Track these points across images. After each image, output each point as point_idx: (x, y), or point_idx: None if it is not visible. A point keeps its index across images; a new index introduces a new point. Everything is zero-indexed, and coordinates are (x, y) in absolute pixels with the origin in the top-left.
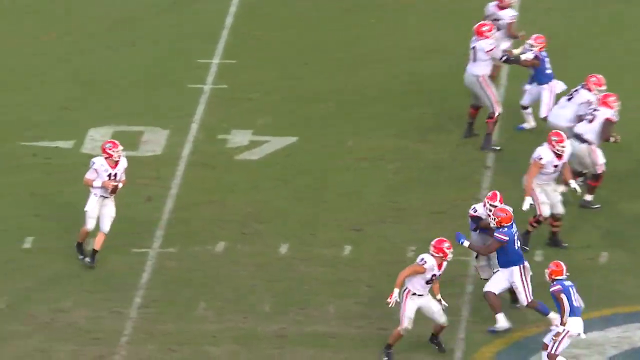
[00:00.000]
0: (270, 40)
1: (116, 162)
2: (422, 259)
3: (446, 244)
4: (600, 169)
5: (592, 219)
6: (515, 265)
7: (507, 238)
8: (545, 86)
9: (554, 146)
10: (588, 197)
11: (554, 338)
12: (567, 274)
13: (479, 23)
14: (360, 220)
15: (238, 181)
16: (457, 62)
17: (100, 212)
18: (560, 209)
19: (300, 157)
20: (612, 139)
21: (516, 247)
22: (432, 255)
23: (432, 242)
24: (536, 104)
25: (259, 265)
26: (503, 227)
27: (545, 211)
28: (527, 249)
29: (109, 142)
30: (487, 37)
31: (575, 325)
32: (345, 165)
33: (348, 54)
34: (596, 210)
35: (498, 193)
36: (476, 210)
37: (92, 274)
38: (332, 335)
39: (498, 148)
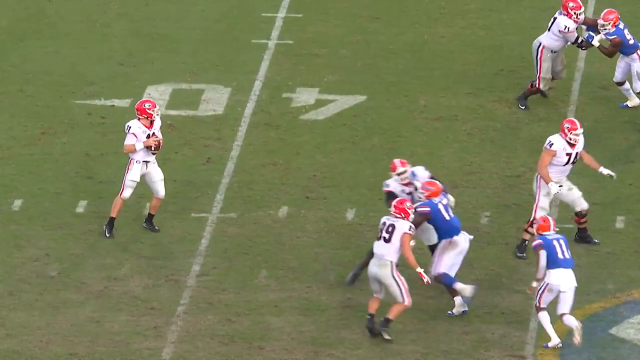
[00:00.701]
0: None
1: (152, 122)
2: (411, 228)
3: (407, 204)
4: None
5: None
6: (445, 238)
7: (429, 209)
8: (634, 56)
9: (566, 134)
10: None
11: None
12: (557, 229)
13: None
14: None
15: (303, 142)
16: (535, 15)
17: (148, 180)
18: (584, 205)
19: (369, 117)
20: None
21: (447, 218)
22: (395, 216)
23: (394, 203)
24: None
25: (324, 232)
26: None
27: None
28: (524, 256)
29: (147, 101)
30: (569, 15)
31: (556, 277)
32: (417, 125)
33: (422, 7)
34: None
35: (397, 161)
36: (388, 186)
37: (147, 240)
38: None
39: (523, 108)
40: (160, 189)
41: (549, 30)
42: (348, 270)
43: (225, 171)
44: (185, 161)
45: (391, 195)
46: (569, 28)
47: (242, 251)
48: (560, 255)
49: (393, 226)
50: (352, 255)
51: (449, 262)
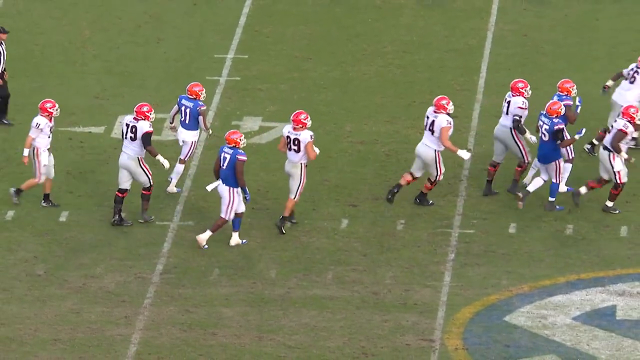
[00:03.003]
0: (278, 36)
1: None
2: (312, 135)
3: (302, 116)
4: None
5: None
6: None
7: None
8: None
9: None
10: (609, 203)
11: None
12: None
13: (515, 80)
14: (356, 197)
15: (249, 162)
16: (442, 56)
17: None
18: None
19: None
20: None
21: (219, 166)
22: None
23: (293, 117)
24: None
25: (266, 237)
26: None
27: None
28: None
29: (48, 101)
30: (521, 94)
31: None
32: (344, 148)
33: (348, 49)
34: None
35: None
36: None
37: (119, 243)
38: (331, 298)
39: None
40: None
41: (506, 113)
42: (287, 268)
43: (184, 186)
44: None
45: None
46: (526, 103)
47: (198, 253)
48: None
49: (298, 140)
50: (290, 255)
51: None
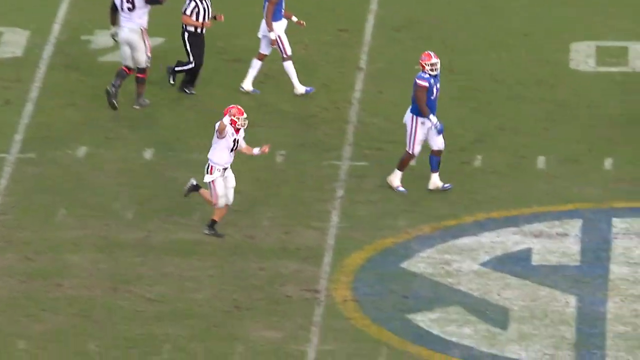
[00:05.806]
0: None
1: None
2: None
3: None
4: None
5: (465, 122)
6: None
7: None
8: None
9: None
10: None
11: None
12: None
13: None
14: None
15: (102, 84)
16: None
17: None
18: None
19: (168, 61)
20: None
21: None
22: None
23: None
24: None
25: (122, 171)
26: None
27: None
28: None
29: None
30: None
31: None
32: None
33: None
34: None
35: None
36: None
37: None
38: (199, 243)
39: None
40: (231, 196)
41: None
42: (147, 207)
43: (24, 112)
44: None
45: None
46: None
47: (41, 190)
48: None
49: None
50: (150, 193)
51: None
